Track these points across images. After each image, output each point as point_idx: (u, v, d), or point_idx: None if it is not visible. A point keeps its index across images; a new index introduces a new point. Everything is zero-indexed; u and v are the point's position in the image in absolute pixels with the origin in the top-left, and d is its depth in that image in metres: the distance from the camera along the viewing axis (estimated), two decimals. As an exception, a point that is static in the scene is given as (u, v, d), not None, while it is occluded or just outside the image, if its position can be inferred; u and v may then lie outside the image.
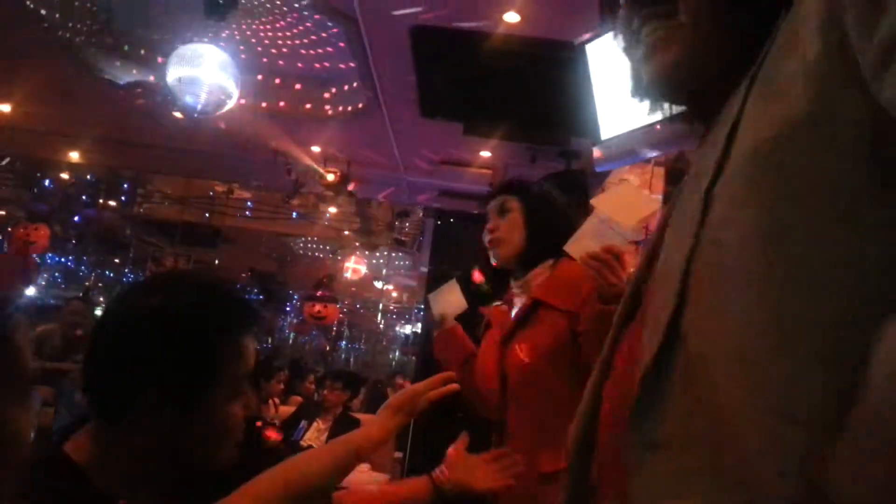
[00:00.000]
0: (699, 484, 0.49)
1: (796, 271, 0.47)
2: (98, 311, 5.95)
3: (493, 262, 1.98)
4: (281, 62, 4.24)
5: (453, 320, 2.18)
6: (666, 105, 0.77)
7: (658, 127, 2.43)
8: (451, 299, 2.21)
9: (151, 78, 4.45)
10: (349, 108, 4.37)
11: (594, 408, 0.67)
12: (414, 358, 10.86)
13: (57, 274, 10.07)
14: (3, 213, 8.39)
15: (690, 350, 0.51)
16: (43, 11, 3.84)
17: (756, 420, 0.46)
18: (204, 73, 3.49)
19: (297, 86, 4.35)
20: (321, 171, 5.23)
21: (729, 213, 0.51)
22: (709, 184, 0.53)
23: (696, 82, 0.65)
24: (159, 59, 4.25)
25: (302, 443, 4.95)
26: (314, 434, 5.26)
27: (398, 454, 5.72)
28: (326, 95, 4.36)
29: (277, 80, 4.36)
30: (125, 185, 7.56)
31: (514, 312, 1.94)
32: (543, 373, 1.79)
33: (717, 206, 0.52)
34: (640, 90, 0.76)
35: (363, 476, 4.83)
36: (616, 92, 2.75)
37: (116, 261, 9.80)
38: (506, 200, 1.95)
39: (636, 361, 0.58)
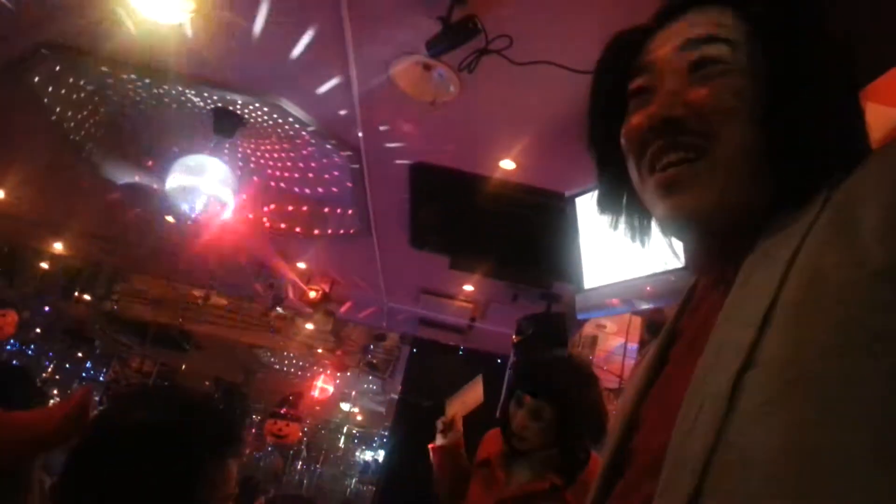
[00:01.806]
0: None
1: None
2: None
3: (513, 446, 2.05)
4: (278, 180, 4.36)
5: (460, 432, 2.36)
6: (672, 241, 0.73)
7: (643, 286, 2.51)
8: (471, 394, 2.39)
9: (149, 182, 4.53)
10: (340, 231, 4.46)
11: None
12: (372, 488, 10.46)
13: (15, 361, 9.75)
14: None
15: None
16: (53, 106, 3.95)
17: None
18: (204, 184, 3.58)
19: (292, 205, 4.45)
20: (304, 287, 5.25)
21: (755, 419, 0.47)
22: (741, 365, 0.49)
23: (718, 224, 0.61)
24: (152, 164, 4.36)
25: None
26: (259, 561, 4.98)
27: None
28: (319, 216, 4.46)
29: (273, 197, 4.47)
30: (102, 280, 7.49)
31: (519, 477, 2.03)
32: None
33: (747, 399, 0.48)
34: (641, 226, 0.76)
35: None
36: (601, 245, 2.86)
37: (80, 355, 9.54)
38: (542, 408, 2.00)
39: None
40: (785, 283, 0.50)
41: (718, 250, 0.64)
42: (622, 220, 0.77)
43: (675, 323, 0.69)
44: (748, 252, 0.57)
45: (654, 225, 0.76)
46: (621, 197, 0.76)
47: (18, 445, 0.89)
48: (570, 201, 3.01)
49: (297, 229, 4.53)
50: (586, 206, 2.96)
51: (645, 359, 0.70)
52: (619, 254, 2.73)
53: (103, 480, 0.90)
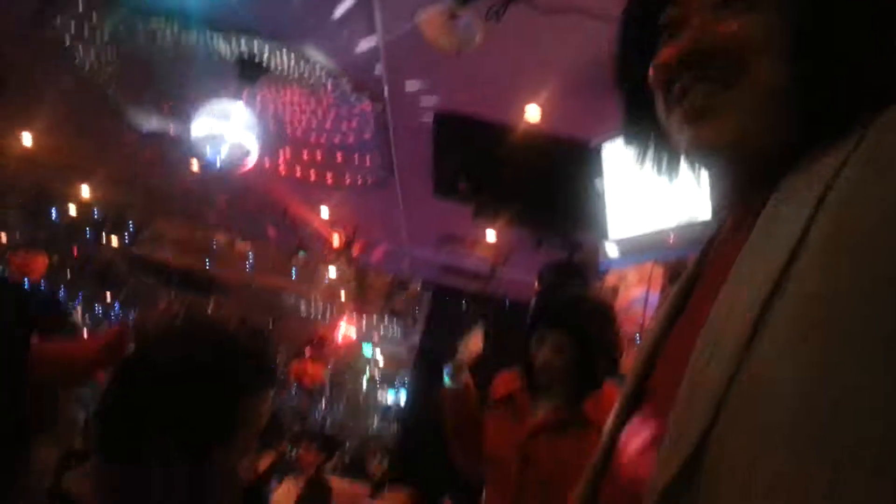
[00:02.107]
0: None
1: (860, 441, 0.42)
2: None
3: (537, 384, 2.08)
4: (302, 128, 4.35)
5: (467, 376, 2.37)
6: (697, 173, 0.73)
7: (669, 236, 2.51)
8: (473, 341, 2.48)
9: (173, 128, 4.55)
10: (364, 179, 4.46)
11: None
12: (393, 427, 10.70)
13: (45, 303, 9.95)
14: (3, 239, 8.38)
15: (719, 485, 0.46)
16: (76, 50, 3.95)
17: None
18: (229, 130, 3.58)
19: (317, 153, 4.45)
20: (327, 234, 5.29)
21: (782, 351, 0.46)
22: (763, 303, 0.49)
23: (742, 156, 0.61)
24: (176, 109, 4.36)
25: (271, 502, 4.85)
26: (284, 494, 5.16)
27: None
28: (343, 164, 4.46)
29: (297, 145, 4.47)
30: (129, 223, 7.59)
31: (546, 409, 2.07)
32: (561, 484, 1.81)
33: (768, 338, 0.48)
34: (667, 158, 0.75)
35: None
36: (627, 194, 2.85)
37: (108, 298, 9.74)
38: (564, 343, 2.03)
39: (641, 471, 0.54)
40: (815, 219, 0.49)
41: (745, 186, 0.64)
42: (649, 156, 0.77)
43: (699, 261, 0.69)
44: (775, 189, 0.56)
45: (681, 164, 0.77)
46: (649, 134, 0.76)
47: (59, 374, 0.92)
48: (596, 149, 2.99)
49: (320, 177, 4.54)
50: (612, 154, 2.94)
51: (669, 296, 0.70)
52: (645, 203, 2.72)
53: (139, 418, 0.93)
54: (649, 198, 2.76)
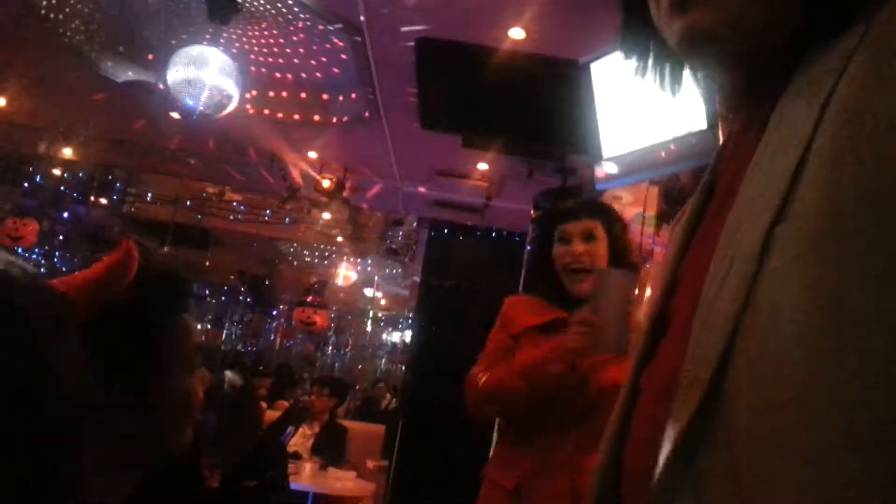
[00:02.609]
0: None
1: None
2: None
3: (574, 287, 1.90)
4: (282, 68, 4.23)
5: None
6: (694, 74, 0.67)
7: (665, 151, 2.46)
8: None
9: (146, 77, 4.43)
10: (349, 117, 4.37)
11: (620, 440, 0.61)
12: (403, 367, 10.84)
13: (43, 270, 9.97)
14: (-8, 207, 8.31)
15: (733, 423, 0.44)
16: (43, 8, 3.82)
17: None
18: (206, 76, 3.48)
19: (299, 93, 4.34)
20: (317, 176, 5.22)
21: (792, 270, 0.44)
22: (772, 219, 0.46)
23: (739, 47, 0.55)
24: (152, 58, 4.24)
25: (288, 448, 4.93)
26: (300, 439, 5.24)
27: (384, 462, 5.71)
28: (326, 103, 4.36)
29: (277, 86, 4.35)
30: (117, 184, 7.51)
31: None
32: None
33: (778, 254, 0.45)
34: (668, 67, 0.69)
35: (349, 484, 4.82)
36: (619, 111, 2.77)
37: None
38: (594, 227, 1.92)
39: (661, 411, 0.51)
40: (819, 126, 0.45)
41: (749, 86, 0.58)
42: (649, 67, 0.71)
43: (711, 174, 0.64)
44: (781, 91, 0.51)
45: (683, 74, 0.70)
46: (648, 43, 0.70)
47: (92, 298, 0.90)
48: (585, 68, 2.90)
49: (304, 117, 4.44)
50: (602, 71, 2.85)
51: (684, 215, 0.66)
52: (638, 119, 2.65)
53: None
54: (641, 113, 2.69)
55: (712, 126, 2.29)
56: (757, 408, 0.43)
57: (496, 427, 5.09)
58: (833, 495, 0.40)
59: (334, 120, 4.44)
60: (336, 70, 4.07)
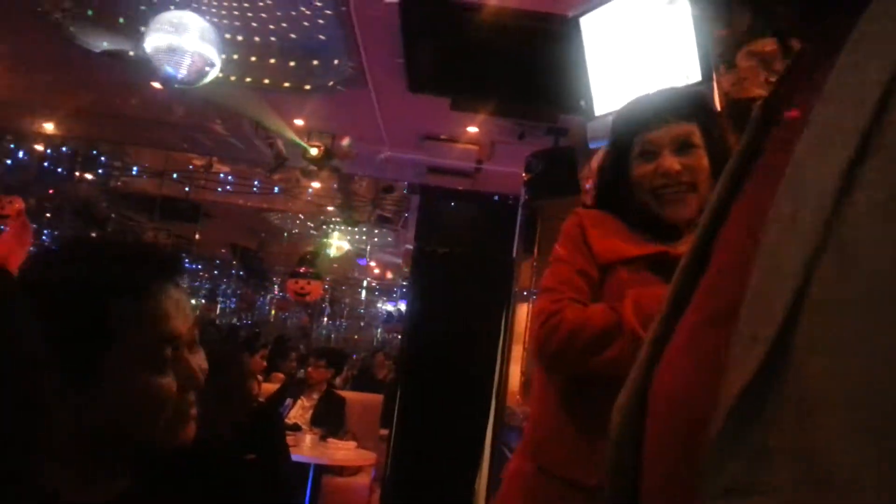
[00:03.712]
0: None
1: None
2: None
3: (669, 211, 1.43)
4: (264, 33, 4.12)
5: None
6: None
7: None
8: None
9: (125, 47, 4.32)
10: (334, 82, 4.28)
11: (642, 391, 0.55)
12: (399, 336, 10.85)
13: (32, 248, 9.86)
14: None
15: (804, 387, 0.38)
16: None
17: None
18: (185, 42, 3.38)
19: (282, 59, 4.24)
20: (305, 145, 5.13)
21: (882, 213, 0.38)
22: (853, 154, 0.40)
23: None
24: (127, 24, 4.13)
25: (287, 420, 4.92)
26: (299, 412, 5.24)
27: (384, 431, 5.72)
28: (311, 68, 4.26)
29: (260, 52, 4.25)
30: (102, 158, 7.39)
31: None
32: None
33: (861, 200, 0.39)
34: None
35: (349, 454, 4.83)
36: (611, 67, 2.70)
37: (93, 235, 9.62)
38: (690, 133, 1.42)
39: (706, 353, 0.46)
40: None
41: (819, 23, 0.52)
42: None
43: (773, 100, 0.58)
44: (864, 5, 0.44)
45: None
46: None
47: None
48: (574, 22, 2.82)
49: (288, 83, 4.34)
50: (592, 26, 2.77)
51: (740, 142, 0.59)
52: (631, 74, 2.58)
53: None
54: (634, 68, 2.62)
55: (707, 78, 2.23)
56: (834, 370, 0.38)
57: (494, 392, 5.11)
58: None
59: (317, 85, 4.35)
60: (319, 34, 3.97)
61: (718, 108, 2.22)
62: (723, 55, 2.07)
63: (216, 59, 3.50)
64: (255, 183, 7.28)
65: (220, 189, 7.59)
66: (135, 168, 7.54)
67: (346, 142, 4.99)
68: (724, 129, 1.47)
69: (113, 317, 0.84)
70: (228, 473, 1.09)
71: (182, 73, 3.46)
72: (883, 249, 0.37)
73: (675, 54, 2.35)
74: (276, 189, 6.99)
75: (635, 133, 1.45)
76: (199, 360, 0.92)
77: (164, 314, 0.88)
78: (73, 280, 0.85)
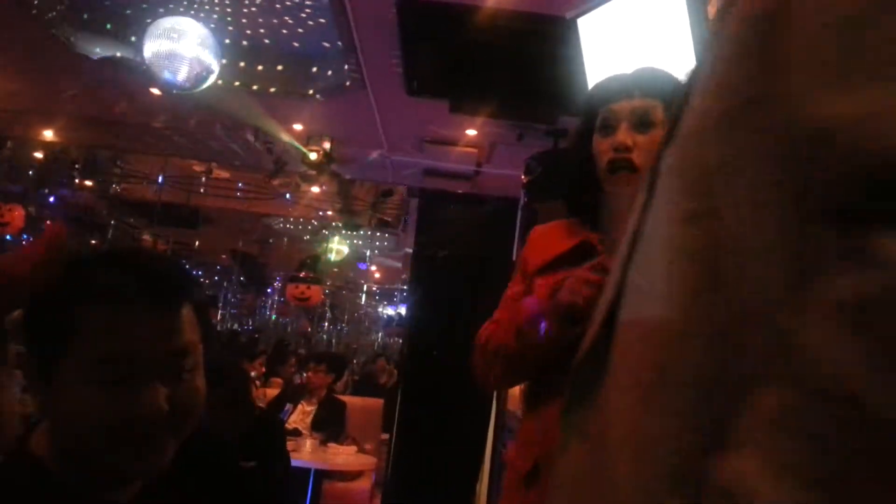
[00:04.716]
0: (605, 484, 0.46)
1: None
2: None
3: (613, 192, 1.40)
4: (262, 39, 4.13)
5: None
6: None
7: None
8: None
9: (123, 53, 4.32)
10: (332, 87, 4.28)
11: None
12: (400, 340, 10.83)
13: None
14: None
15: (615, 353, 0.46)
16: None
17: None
18: (183, 48, 3.39)
19: (279, 65, 4.24)
20: (304, 150, 5.13)
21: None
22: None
23: None
24: (126, 32, 4.13)
25: (287, 425, 4.91)
26: (299, 416, 5.22)
27: (385, 436, 5.71)
28: (309, 72, 4.26)
29: (259, 58, 4.25)
30: (101, 165, 7.39)
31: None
32: None
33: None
34: None
35: (350, 458, 4.82)
36: (609, 67, 2.70)
37: (93, 242, 9.62)
38: (652, 108, 1.37)
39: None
40: None
41: None
42: None
43: None
44: None
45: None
46: None
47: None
48: (572, 24, 2.82)
49: (287, 88, 4.34)
50: (589, 26, 2.77)
51: None
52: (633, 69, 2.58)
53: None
54: (632, 68, 2.62)
55: (705, 78, 2.23)
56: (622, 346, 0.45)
57: (495, 396, 5.09)
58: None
59: (315, 90, 4.35)
60: (317, 38, 3.97)
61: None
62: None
63: (215, 64, 3.50)
64: (255, 188, 7.28)
65: (220, 194, 7.59)
66: (134, 174, 7.54)
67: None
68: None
69: (74, 326, 0.81)
70: (232, 481, 1.08)
71: (181, 78, 3.46)
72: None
73: (673, 55, 2.35)
74: (276, 195, 6.99)
75: (600, 106, 1.43)
76: (177, 392, 0.83)
77: (127, 333, 0.81)
78: (54, 284, 0.81)
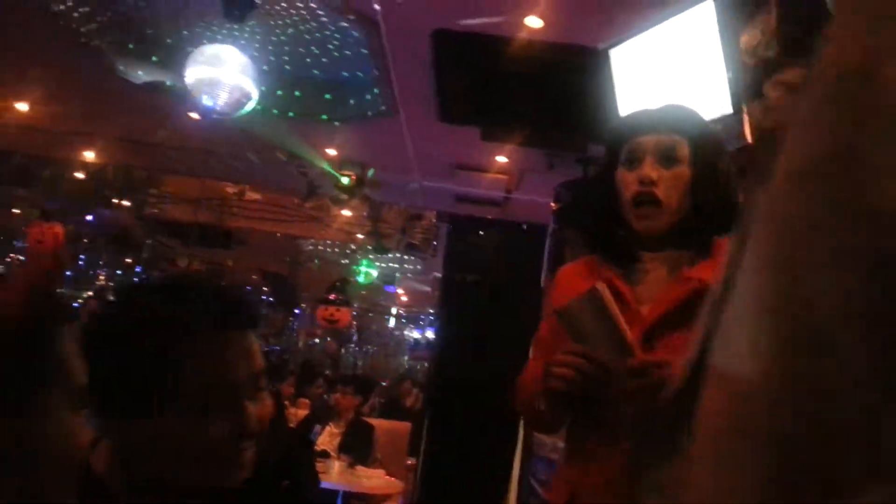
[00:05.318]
0: None
1: None
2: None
3: (641, 226, 1.41)
4: (299, 67, 4.23)
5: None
6: None
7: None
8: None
9: (164, 79, 4.45)
10: (366, 113, 4.36)
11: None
12: (425, 364, 10.82)
13: (69, 273, 10.09)
14: (17, 211, 8.41)
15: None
16: (61, 7, 3.83)
17: None
18: (224, 75, 3.48)
19: (314, 92, 4.34)
20: (336, 174, 5.21)
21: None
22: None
23: None
24: (168, 58, 4.25)
25: (315, 447, 4.94)
26: (327, 438, 5.25)
27: (411, 461, 5.70)
28: (344, 99, 4.35)
29: (295, 85, 4.35)
30: (139, 186, 7.57)
31: (651, 288, 1.41)
32: None
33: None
34: None
35: (378, 482, 4.82)
36: (641, 97, 2.72)
37: (129, 260, 9.81)
38: (677, 145, 1.40)
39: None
40: None
41: None
42: None
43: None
44: None
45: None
46: None
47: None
48: (604, 55, 2.85)
49: (321, 114, 4.43)
50: (621, 57, 2.81)
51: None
52: (660, 103, 2.60)
53: (93, 372, 0.87)
54: (663, 99, 2.64)
55: (738, 111, 2.24)
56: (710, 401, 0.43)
57: (522, 423, 5.07)
58: None
59: (352, 116, 4.43)
60: (353, 66, 4.05)
61: (749, 139, 2.23)
62: (752, 86, 2.09)
63: (254, 92, 3.60)
64: (286, 210, 7.39)
65: (254, 216, 7.72)
66: (169, 195, 7.70)
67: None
68: (719, 154, 1.45)
69: (177, 359, 0.84)
70: (271, 500, 1.10)
71: (220, 104, 3.55)
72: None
73: (706, 86, 2.37)
74: (308, 217, 7.09)
75: (625, 139, 1.45)
76: (260, 409, 0.89)
77: (225, 361, 0.86)
78: (144, 317, 0.86)
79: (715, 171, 1.41)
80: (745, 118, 2.16)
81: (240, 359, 0.88)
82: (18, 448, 0.91)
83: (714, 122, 2.33)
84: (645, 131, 1.43)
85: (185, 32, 4.13)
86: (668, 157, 1.39)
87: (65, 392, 0.64)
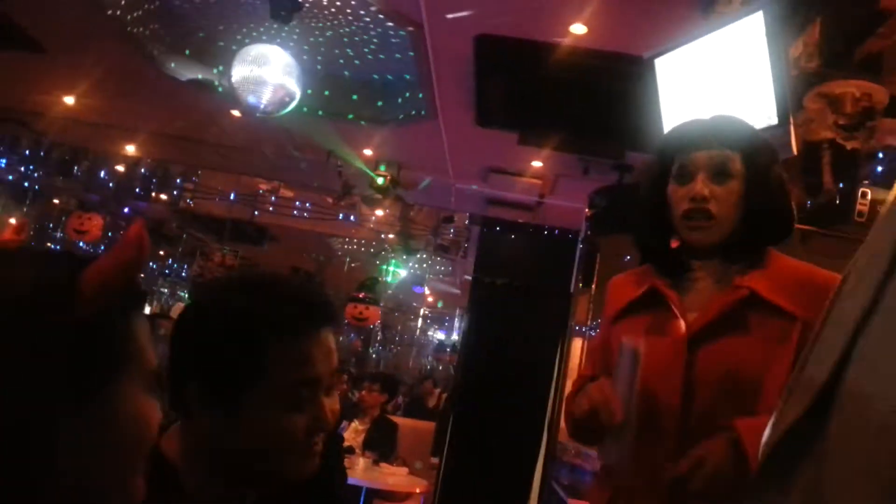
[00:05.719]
0: None
1: None
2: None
3: (692, 238, 1.43)
4: (342, 69, 4.29)
5: None
6: None
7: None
8: None
9: (209, 77, 4.53)
10: (406, 115, 4.40)
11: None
12: (450, 365, 10.85)
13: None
14: (56, 202, 8.60)
15: (832, 434, 0.42)
16: (117, 12, 3.92)
17: None
18: (269, 74, 3.55)
19: (357, 93, 4.39)
20: (372, 174, 5.27)
21: None
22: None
23: None
24: (215, 57, 4.32)
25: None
26: (352, 434, 5.30)
27: (435, 460, 5.74)
28: (385, 103, 4.40)
29: (336, 84, 4.41)
30: (176, 180, 7.70)
31: (699, 296, 1.42)
32: (749, 391, 1.32)
33: None
34: None
35: (402, 479, 4.86)
36: (686, 108, 2.73)
37: (161, 253, 9.96)
38: (730, 160, 1.39)
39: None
40: None
41: None
42: None
43: None
44: None
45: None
46: None
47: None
48: (649, 63, 2.86)
49: (361, 115, 4.48)
50: (667, 67, 2.81)
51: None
52: (706, 114, 2.60)
53: (176, 357, 0.93)
54: (708, 110, 2.64)
55: (783, 122, 2.24)
56: (854, 426, 0.41)
57: (546, 426, 5.09)
58: None
59: (392, 118, 4.48)
60: (395, 69, 4.10)
61: (795, 151, 2.23)
62: (792, 97, 2.09)
63: (297, 91, 3.65)
64: (319, 208, 7.47)
65: (291, 213, 7.80)
66: (204, 190, 7.82)
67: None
68: (771, 164, 1.44)
69: (267, 356, 0.89)
70: (307, 492, 1.13)
71: (263, 103, 3.61)
72: None
73: (752, 97, 2.37)
74: (340, 216, 7.15)
75: (677, 153, 1.45)
76: (333, 404, 0.95)
77: (311, 358, 0.92)
78: (237, 315, 0.91)
79: (767, 183, 1.41)
80: (792, 129, 2.17)
81: (323, 356, 0.93)
82: (92, 429, 0.94)
83: (764, 132, 2.33)
84: (696, 146, 1.42)
85: (237, 36, 4.20)
86: (720, 173, 1.40)
87: (141, 376, 0.68)
